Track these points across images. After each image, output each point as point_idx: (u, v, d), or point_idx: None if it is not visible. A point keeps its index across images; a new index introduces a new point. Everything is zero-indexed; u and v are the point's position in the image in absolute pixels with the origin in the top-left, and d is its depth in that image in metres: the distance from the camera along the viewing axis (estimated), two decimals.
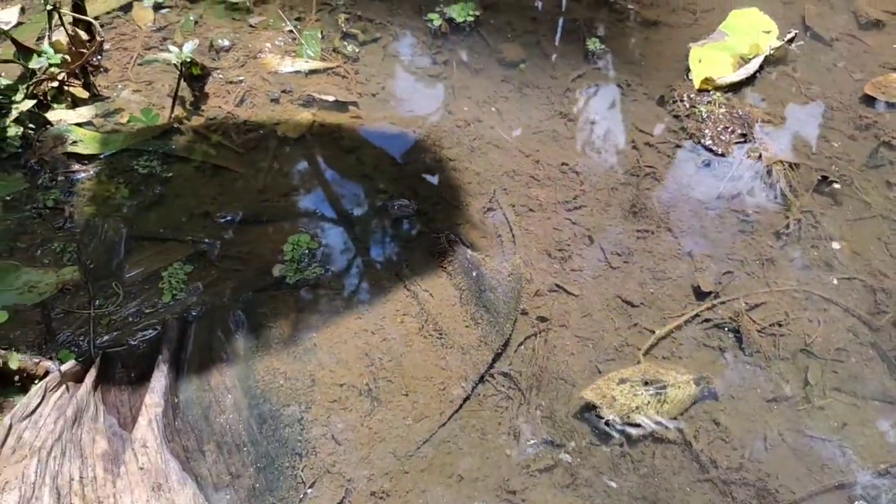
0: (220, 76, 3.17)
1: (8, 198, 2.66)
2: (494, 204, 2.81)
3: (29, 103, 2.84)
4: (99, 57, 3.15)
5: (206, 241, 2.62)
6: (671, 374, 2.35)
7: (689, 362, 2.42)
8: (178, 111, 3.01)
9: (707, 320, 2.53)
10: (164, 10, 3.45)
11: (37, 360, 2.20)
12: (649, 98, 3.24)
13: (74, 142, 2.84)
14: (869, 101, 3.25)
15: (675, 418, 2.29)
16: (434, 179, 2.88)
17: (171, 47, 2.93)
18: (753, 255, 2.70)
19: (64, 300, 2.43)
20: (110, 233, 2.60)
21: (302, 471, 2.12)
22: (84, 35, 3.04)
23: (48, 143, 2.82)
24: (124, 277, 2.51)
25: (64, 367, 2.19)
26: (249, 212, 2.72)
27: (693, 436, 2.25)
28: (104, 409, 2.17)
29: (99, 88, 3.06)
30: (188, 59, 2.92)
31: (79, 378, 2.22)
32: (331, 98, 3.11)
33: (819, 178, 2.93)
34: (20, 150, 2.80)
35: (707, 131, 3.08)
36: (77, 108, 2.97)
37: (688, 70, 3.33)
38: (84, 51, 2.98)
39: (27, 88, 2.88)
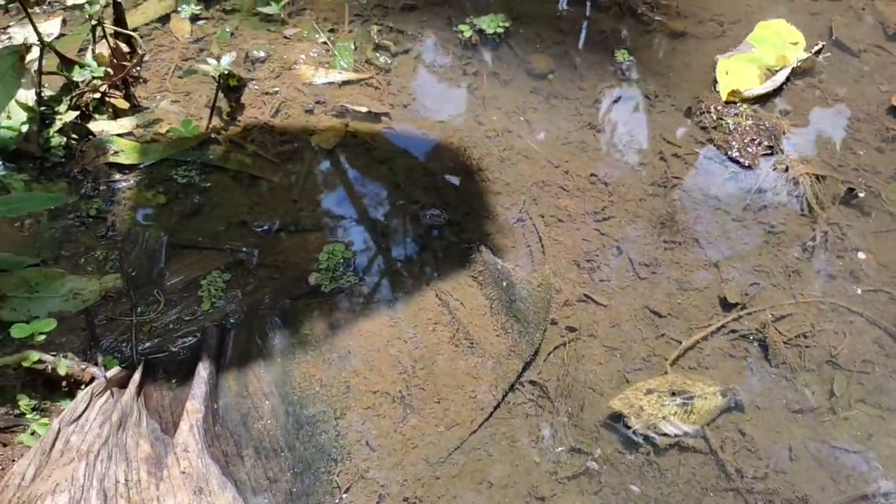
0: (256, 87, 3.23)
1: (52, 207, 2.73)
2: (524, 214, 2.85)
3: (72, 114, 2.92)
4: (138, 68, 3.23)
5: (244, 249, 2.69)
6: (698, 384, 2.39)
7: (715, 373, 2.46)
8: (216, 121, 3.07)
9: (733, 331, 2.56)
10: (200, 22, 3.53)
11: (83, 367, 2.28)
12: (677, 109, 3.28)
13: (116, 152, 2.91)
14: None
15: (701, 428, 2.33)
16: (465, 189, 2.93)
17: (210, 59, 3.00)
18: (779, 267, 2.73)
19: (107, 307, 2.50)
20: (151, 241, 2.67)
21: (337, 476, 2.18)
22: (125, 47, 3.11)
23: (90, 153, 2.90)
24: (165, 285, 2.58)
25: (109, 373, 2.27)
26: (285, 221, 2.78)
27: (719, 446, 2.29)
28: (147, 415, 2.24)
29: (138, 99, 3.13)
30: (226, 72, 2.99)
31: (122, 384, 2.29)
32: (363, 109, 3.17)
33: (845, 189, 2.95)
34: (63, 160, 2.87)
35: (734, 143, 3.11)
36: (118, 119, 3.04)
37: (715, 82, 3.36)
38: (126, 63, 3.05)
39: (71, 100, 2.97)
